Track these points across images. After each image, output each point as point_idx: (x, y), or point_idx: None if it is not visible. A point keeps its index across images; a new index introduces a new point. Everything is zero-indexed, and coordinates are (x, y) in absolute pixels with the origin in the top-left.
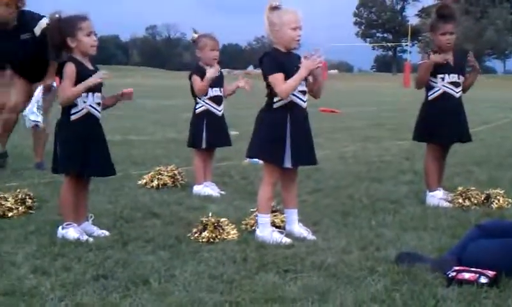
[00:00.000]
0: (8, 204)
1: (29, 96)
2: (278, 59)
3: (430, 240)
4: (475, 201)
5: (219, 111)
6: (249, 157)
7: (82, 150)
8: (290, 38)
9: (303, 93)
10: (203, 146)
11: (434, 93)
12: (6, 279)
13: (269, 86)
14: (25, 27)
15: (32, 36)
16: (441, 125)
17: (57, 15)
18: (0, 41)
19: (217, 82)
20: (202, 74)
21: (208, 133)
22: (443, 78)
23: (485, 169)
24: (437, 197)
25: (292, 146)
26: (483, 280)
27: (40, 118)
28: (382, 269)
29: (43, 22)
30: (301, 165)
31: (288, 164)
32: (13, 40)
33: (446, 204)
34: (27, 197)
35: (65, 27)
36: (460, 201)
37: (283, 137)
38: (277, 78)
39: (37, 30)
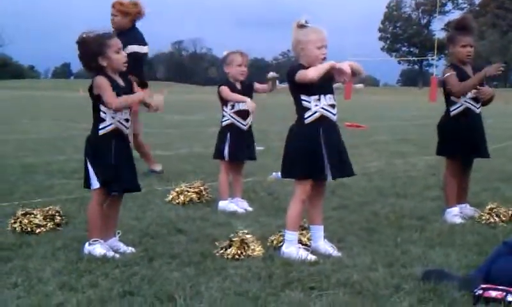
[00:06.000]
0: (36, 221)
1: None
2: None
3: (457, 257)
4: (503, 218)
5: (245, 125)
6: (286, 177)
7: (110, 165)
8: (315, 56)
9: (333, 106)
10: (226, 158)
11: (456, 108)
12: (33, 295)
13: (298, 101)
14: (131, 41)
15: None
16: (464, 140)
17: (84, 35)
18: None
19: (244, 95)
20: (231, 88)
21: (230, 146)
22: (465, 94)
23: None
24: (452, 213)
25: (329, 159)
26: (510, 298)
27: None
28: (408, 287)
29: (136, 48)
30: (341, 178)
31: (329, 177)
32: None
33: (460, 220)
34: (57, 214)
35: (94, 46)
36: (487, 217)
37: (320, 151)
38: (302, 71)
39: (128, 48)
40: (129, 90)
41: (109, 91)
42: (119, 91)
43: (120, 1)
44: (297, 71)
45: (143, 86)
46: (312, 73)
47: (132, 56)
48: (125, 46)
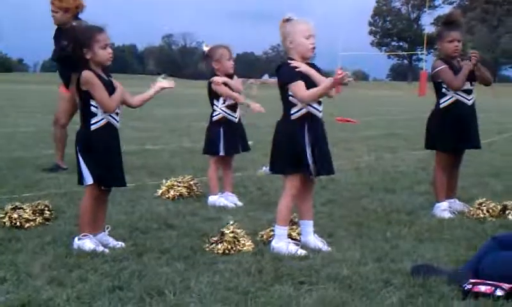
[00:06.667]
0: (26, 216)
1: (70, 110)
2: (297, 68)
3: (446, 252)
4: (492, 213)
5: (235, 118)
6: (274, 173)
7: (103, 160)
8: (304, 46)
9: (319, 103)
10: (221, 153)
11: (446, 100)
12: (22, 290)
13: (285, 97)
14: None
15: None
16: (453, 132)
17: (74, 24)
18: (55, 39)
19: (233, 89)
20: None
21: (225, 140)
22: (463, 85)
23: (501, 179)
24: (441, 208)
25: (312, 156)
26: (499, 293)
27: None
28: (397, 281)
29: None
30: (322, 175)
31: (311, 173)
32: (58, 41)
33: (448, 215)
34: (46, 208)
35: (81, 38)
36: (476, 212)
37: (304, 147)
38: (299, 86)
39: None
40: (111, 82)
41: (103, 92)
42: (106, 84)
43: None
44: (290, 66)
45: None
46: (309, 97)
47: None
48: (69, 43)
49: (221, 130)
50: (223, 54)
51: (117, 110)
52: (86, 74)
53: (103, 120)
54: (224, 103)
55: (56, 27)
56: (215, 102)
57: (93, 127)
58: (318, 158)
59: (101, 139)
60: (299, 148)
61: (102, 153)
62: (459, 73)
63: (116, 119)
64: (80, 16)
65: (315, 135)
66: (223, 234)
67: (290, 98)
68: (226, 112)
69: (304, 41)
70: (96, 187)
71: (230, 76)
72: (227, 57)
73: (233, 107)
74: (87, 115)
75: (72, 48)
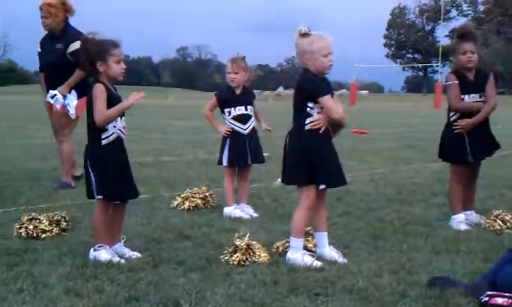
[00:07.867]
0: (42, 226)
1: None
2: (321, 82)
3: (462, 264)
4: (509, 225)
5: (245, 130)
6: (288, 183)
7: (115, 174)
8: (322, 64)
9: None
10: (224, 164)
11: (456, 113)
12: (39, 301)
13: (300, 107)
14: (64, 39)
15: (63, 48)
16: (464, 145)
17: (90, 36)
18: (43, 45)
19: (243, 100)
20: (229, 94)
21: (229, 152)
22: (463, 99)
23: None
24: (457, 220)
25: (325, 167)
26: None
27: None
28: (414, 294)
29: (77, 44)
30: (335, 187)
31: (324, 184)
32: (51, 46)
33: (465, 227)
34: (63, 219)
35: (96, 50)
36: (492, 224)
37: (316, 158)
38: (329, 99)
39: (70, 47)
40: (120, 98)
41: (102, 104)
42: (115, 100)
43: (48, 2)
44: (317, 79)
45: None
46: (336, 113)
47: (76, 54)
48: (67, 46)
49: (228, 141)
50: (227, 66)
51: (124, 124)
52: (96, 87)
53: (113, 135)
54: (230, 115)
55: (44, 33)
56: (222, 115)
57: (104, 142)
58: (330, 169)
59: (112, 154)
60: (315, 158)
61: (113, 169)
62: (469, 86)
63: (123, 133)
64: (72, 22)
65: (327, 146)
66: (237, 245)
67: (308, 109)
68: (233, 124)
69: (323, 60)
70: (106, 200)
71: (243, 88)
72: (228, 70)
73: (242, 119)
74: (97, 129)
75: (85, 60)
